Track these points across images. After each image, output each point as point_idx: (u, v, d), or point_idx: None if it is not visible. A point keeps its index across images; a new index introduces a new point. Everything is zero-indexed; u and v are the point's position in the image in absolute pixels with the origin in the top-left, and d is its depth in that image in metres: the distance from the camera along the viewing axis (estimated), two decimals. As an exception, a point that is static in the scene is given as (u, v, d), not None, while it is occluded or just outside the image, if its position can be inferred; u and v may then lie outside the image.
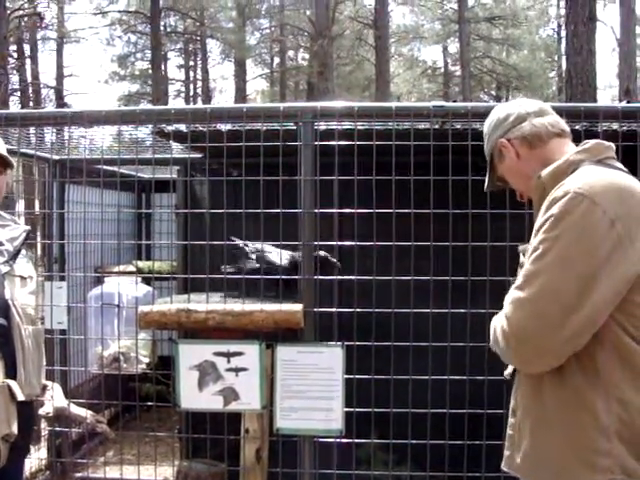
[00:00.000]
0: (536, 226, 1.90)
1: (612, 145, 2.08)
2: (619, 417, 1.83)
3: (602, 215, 1.78)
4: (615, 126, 3.33)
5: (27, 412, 2.56)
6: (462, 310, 3.15)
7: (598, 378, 1.84)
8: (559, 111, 3.09)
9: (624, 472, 1.82)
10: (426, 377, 3.20)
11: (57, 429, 4.24)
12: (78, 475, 4.95)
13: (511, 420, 2.12)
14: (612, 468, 1.83)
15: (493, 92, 33.52)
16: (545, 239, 1.83)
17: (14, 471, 2.60)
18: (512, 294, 1.88)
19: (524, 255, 2.00)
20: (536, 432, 1.98)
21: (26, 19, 23.62)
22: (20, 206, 5.57)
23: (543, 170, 2.03)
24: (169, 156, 4.46)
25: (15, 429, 2.38)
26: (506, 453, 2.16)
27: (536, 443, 1.98)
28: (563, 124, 2.18)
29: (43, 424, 4.79)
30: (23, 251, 2.67)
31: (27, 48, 27.39)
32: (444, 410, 3.28)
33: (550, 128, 2.14)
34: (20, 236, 2.61)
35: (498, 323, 1.93)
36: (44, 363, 2.72)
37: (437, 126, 3.43)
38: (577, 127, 3.28)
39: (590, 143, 2.05)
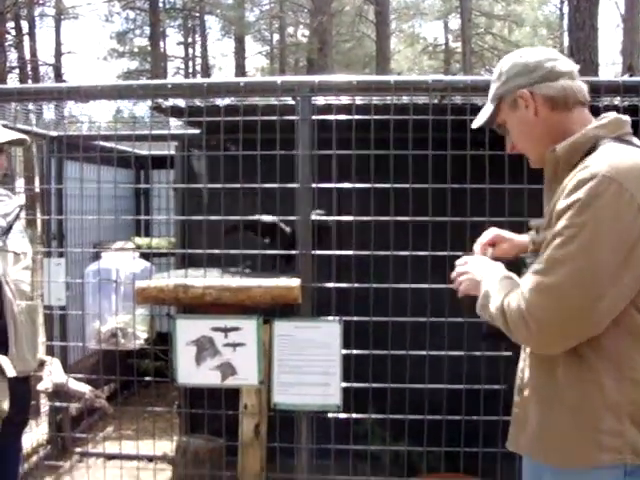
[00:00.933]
0: (558, 207, 1.79)
1: (629, 119, 1.99)
2: (631, 398, 1.82)
3: (630, 199, 1.71)
4: (617, 101, 3.30)
5: (22, 388, 2.56)
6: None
7: (611, 359, 1.82)
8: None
9: (634, 452, 1.80)
10: (424, 353, 3.20)
11: (57, 404, 4.25)
12: (78, 450, 4.98)
13: (516, 399, 2.11)
14: (621, 448, 1.81)
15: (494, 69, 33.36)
16: (571, 225, 1.74)
17: (11, 446, 2.60)
18: (533, 279, 1.79)
19: (537, 232, 1.96)
20: (546, 411, 1.95)
21: (23, -5, 23.45)
22: (20, 183, 5.56)
23: (559, 144, 1.93)
24: (166, 132, 4.43)
25: (6, 406, 2.37)
26: (511, 431, 2.15)
27: (545, 422, 1.96)
28: (586, 92, 2.04)
29: (43, 399, 4.81)
30: (18, 226, 2.65)
31: (25, 25, 27.21)
32: (441, 386, 3.28)
33: (577, 94, 2.00)
34: (13, 211, 2.59)
35: (514, 304, 1.83)
36: (42, 339, 2.72)
37: (436, 100, 3.40)
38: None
39: (609, 118, 1.96)
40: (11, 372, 2.39)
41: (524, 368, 2.08)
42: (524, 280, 1.84)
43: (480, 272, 2.06)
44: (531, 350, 2.00)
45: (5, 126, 3.82)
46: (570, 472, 1.91)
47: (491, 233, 2.31)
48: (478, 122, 2.17)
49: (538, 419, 1.98)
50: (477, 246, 2.30)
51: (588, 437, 1.86)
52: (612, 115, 1.97)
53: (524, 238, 2.29)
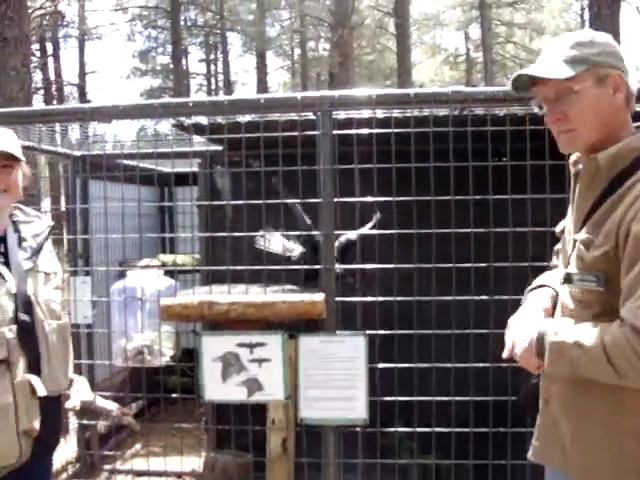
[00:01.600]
0: (636, 230, 1.73)
1: None
2: None
3: None
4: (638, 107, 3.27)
5: (54, 407, 2.57)
6: (485, 297, 3.14)
7: None
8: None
9: None
10: (449, 365, 3.18)
11: (85, 422, 4.28)
12: (107, 467, 5.01)
13: (542, 409, 2.09)
14: None
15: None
16: None
17: (41, 466, 2.61)
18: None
19: (587, 248, 1.86)
20: (579, 426, 1.93)
21: (47, 17, 23.75)
22: (46, 202, 5.63)
23: (601, 152, 1.88)
24: (189, 149, 4.47)
25: (37, 425, 2.39)
26: (535, 443, 2.13)
27: (579, 437, 1.93)
28: None
29: (72, 417, 4.84)
30: (48, 246, 2.68)
31: (49, 46, 27.58)
32: (468, 398, 3.26)
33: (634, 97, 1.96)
34: (43, 232, 2.62)
35: (620, 340, 1.70)
36: (71, 358, 2.73)
37: (456, 112, 3.40)
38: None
39: None
40: (42, 391, 2.40)
41: (548, 378, 2.04)
42: (628, 313, 1.72)
43: (528, 329, 1.96)
44: None
45: (30, 147, 3.87)
46: None
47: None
48: (548, 73, 1.91)
49: (572, 433, 1.95)
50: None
51: (616, 458, 1.85)
52: None
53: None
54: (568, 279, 1.95)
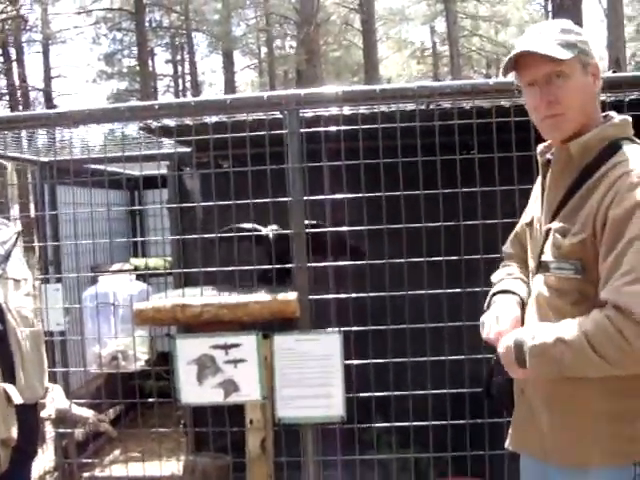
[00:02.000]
0: (615, 213, 1.77)
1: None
2: None
3: None
4: (602, 97, 3.31)
5: (30, 416, 2.55)
6: (457, 290, 3.15)
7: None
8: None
9: None
10: (424, 359, 3.20)
11: (61, 431, 4.24)
12: (86, 475, 4.97)
13: (518, 399, 2.11)
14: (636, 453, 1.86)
15: (483, 70, 33.48)
16: None
17: (20, 476, 2.59)
18: (628, 288, 1.70)
19: (563, 236, 1.89)
20: (558, 413, 1.96)
21: (10, 22, 23.50)
22: (15, 210, 5.58)
23: (572, 141, 1.93)
24: (156, 152, 4.44)
25: (14, 433, 2.37)
26: (512, 433, 2.15)
27: (559, 424, 1.96)
28: None
29: (48, 426, 4.80)
30: (17, 253, 2.65)
31: (13, 51, 27.27)
32: (444, 391, 3.28)
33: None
34: (11, 238, 2.60)
35: (603, 324, 1.71)
36: (46, 365, 2.71)
37: (423, 107, 3.41)
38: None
39: (619, 118, 1.99)
40: (18, 399, 2.38)
41: None
42: (610, 292, 1.74)
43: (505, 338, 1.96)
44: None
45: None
46: (582, 472, 1.92)
47: (511, 321, 2.08)
48: (550, 52, 1.89)
49: (550, 420, 1.98)
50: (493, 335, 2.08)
51: (604, 440, 1.88)
52: (621, 116, 1.99)
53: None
54: (545, 267, 1.98)
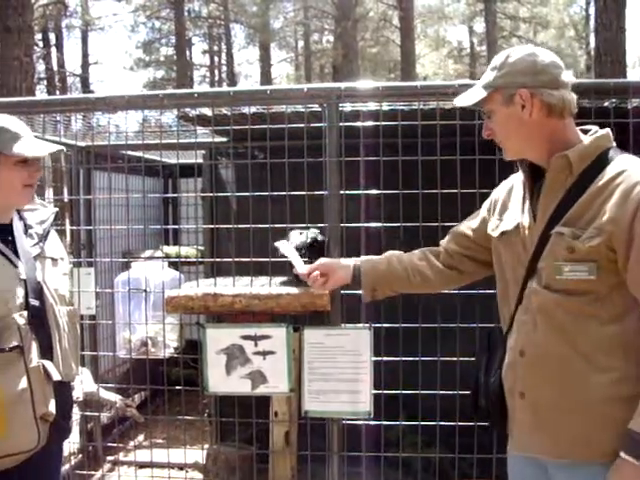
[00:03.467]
0: (624, 213, 1.88)
1: None
2: None
3: None
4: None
5: (67, 393, 2.58)
6: (489, 291, 3.12)
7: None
8: (587, 87, 3.07)
9: None
10: (454, 359, 3.17)
11: (88, 413, 4.28)
12: (110, 458, 5.00)
13: (519, 403, 2.11)
14: None
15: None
16: None
17: (56, 451, 2.62)
18: None
19: (576, 239, 1.95)
20: (567, 412, 2.00)
21: (50, 7, 23.72)
22: (49, 193, 5.62)
23: (568, 150, 2.01)
24: (194, 140, 4.45)
25: (53, 409, 2.39)
26: (518, 436, 2.15)
27: (566, 422, 2.00)
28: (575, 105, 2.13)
29: (75, 408, 4.84)
30: (53, 233, 2.68)
31: (52, 37, 27.55)
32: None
33: (572, 107, 2.07)
34: (49, 218, 2.63)
35: None
36: (79, 345, 2.73)
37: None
38: (606, 104, 3.22)
39: (604, 131, 2.08)
40: (56, 376, 2.41)
41: (518, 370, 2.11)
42: None
43: None
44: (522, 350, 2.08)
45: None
46: (589, 466, 1.97)
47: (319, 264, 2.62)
48: (463, 102, 2.18)
49: (559, 421, 2.01)
50: (302, 270, 2.63)
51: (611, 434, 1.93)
52: (605, 129, 2.09)
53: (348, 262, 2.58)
54: (558, 271, 2.00)
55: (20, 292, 2.35)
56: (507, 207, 2.26)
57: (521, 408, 2.12)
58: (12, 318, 2.29)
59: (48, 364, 2.39)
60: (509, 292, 2.19)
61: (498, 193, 2.36)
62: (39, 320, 2.39)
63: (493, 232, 2.28)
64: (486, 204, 2.43)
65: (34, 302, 2.38)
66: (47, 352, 2.41)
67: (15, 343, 2.28)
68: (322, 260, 2.68)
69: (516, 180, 2.28)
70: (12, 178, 2.38)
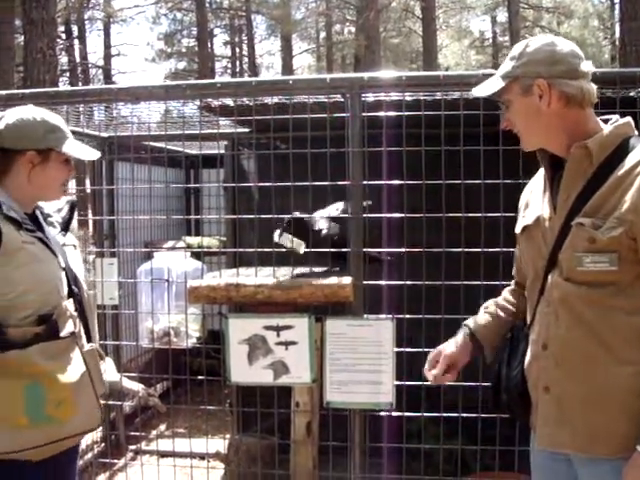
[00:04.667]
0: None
1: None
2: None
3: None
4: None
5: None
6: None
7: None
8: (612, 77, 3.03)
9: None
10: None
11: (110, 402, 4.31)
12: (132, 447, 5.04)
13: (543, 397, 2.09)
14: None
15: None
16: None
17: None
18: None
19: (596, 228, 1.93)
20: (592, 406, 1.98)
21: (73, 0, 23.80)
22: (71, 184, 5.64)
23: (587, 140, 1.98)
24: (216, 131, 4.45)
25: (107, 390, 2.51)
26: (545, 430, 2.12)
27: (594, 417, 1.98)
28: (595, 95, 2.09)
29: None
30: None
31: (75, 29, 27.67)
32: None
33: (592, 97, 2.04)
34: (64, 207, 2.66)
35: None
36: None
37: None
38: (632, 93, 3.19)
39: (625, 119, 2.06)
40: (104, 357, 2.55)
41: (542, 364, 2.08)
42: None
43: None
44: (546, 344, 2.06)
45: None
46: (612, 460, 1.94)
47: (439, 358, 2.39)
48: (481, 92, 2.15)
49: (586, 416, 1.99)
50: (430, 376, 2.35)
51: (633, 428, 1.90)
52: (627, 118, 2.06)
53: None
54: (578, 262, 1.97)
55: (65, 280, 2.41)
56: (529, 204, 2.24)
57: (545, 402, 2.09)
58: (64, 306, 2.35)
59: (97, 347, 2.50)
60: (532, 285, 2.18)
61: (524, 195, 2.32)
62: (80, 306, 2.46)
63: (517, 230, 2.26)
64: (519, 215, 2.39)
65: (75, 289, 2.45)
66: (88, 336, 2.49)
67: (72, 330, 2.35)
68: (440, 355, 2.40)
69: (538, 176, 2.25)
70: (57, 175, 2.44)
